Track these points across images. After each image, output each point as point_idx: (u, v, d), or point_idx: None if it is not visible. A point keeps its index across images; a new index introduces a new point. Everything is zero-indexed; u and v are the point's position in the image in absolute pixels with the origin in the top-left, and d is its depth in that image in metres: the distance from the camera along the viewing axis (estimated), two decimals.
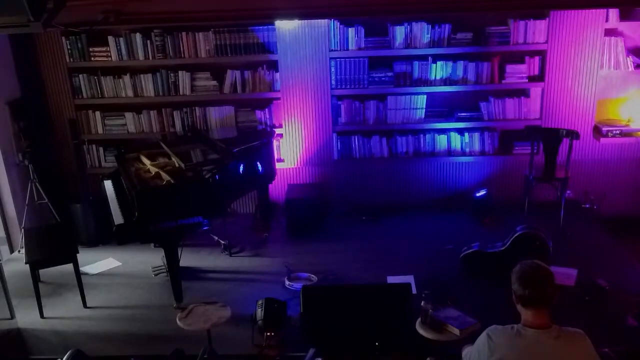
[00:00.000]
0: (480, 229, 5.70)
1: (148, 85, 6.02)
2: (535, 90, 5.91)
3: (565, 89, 5.84)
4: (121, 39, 5.84)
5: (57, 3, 3.07)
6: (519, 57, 5.86)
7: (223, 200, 4.97)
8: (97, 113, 6.13)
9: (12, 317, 4.56)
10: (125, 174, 4.87)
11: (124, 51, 5.89)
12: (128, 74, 6.00)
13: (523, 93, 6.01)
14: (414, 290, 4.39)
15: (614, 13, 5.66)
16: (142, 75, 5.99)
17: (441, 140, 6.09)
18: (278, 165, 5.99)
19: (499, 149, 6.11)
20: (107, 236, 5.62)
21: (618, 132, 5.76)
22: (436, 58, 5.84)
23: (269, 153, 5.64)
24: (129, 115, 6.13)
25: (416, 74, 5.88)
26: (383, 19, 5.83)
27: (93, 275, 5.23)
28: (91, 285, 4.97)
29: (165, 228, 4.38)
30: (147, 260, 5.38)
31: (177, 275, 4.61)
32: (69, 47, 5.90)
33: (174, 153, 5.09)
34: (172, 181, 4.59)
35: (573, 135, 5.46)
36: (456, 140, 6.09)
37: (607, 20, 5.65)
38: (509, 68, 5.83)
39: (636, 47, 5.82)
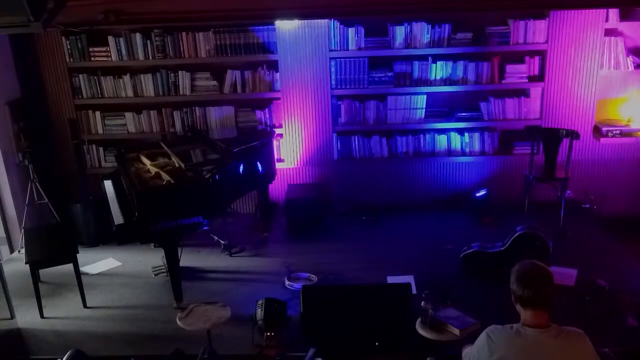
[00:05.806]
0: (480, 229, 5.69)
1: (148, 85, 6.02)
2: (535, 90, 5.91)
3: (565, 89, 5.84)
4: (121, 39, 5.84)
5: (57, 3, 3.07)
6: (519, 57, 5.86)
7: (223, 200, 4.97)
8: (97, 113, 6.14)
9: (12, 317, 4.55)
10: (125, 174, 4.87)
11: (124, 51, 5.89)
12: (128, 74, 6.00)
13: (523, 93, 6.01)
14: (414, 290, 4.38)
15: (614, 13, 5.66)
16: (142, 75, 5.99)
17: (441, 140, 6.09)
18: (278, 165, 5.98)
19: (499, 149, 6.10)
20: (107, 236, 5.60)
21: (618, 132, 5.76)
22: (436, 58, 5.84)
23: (269, 153, 5.64)
24: (129, 115, 6.13)
25: (416, 74, 5.88)
26: (383, 19, 5.83)
27: (93, 275, 5.23)
28: (91, 285, 4.97)
29: (165, 228, 4.38)
30: (147, 260, 5.39)
31: (177, 275, 4.60)
32: (69, 47, 5.90)
33: (174, 153, 5.09)
34: (172, 181, 4.58)
35: (573, 135, 5.46)
36: (456, 140, 6.09)
37: (607, 20, 5.65)
38: (509, 68, 5.83)
39: (636, 47, 5.82)
